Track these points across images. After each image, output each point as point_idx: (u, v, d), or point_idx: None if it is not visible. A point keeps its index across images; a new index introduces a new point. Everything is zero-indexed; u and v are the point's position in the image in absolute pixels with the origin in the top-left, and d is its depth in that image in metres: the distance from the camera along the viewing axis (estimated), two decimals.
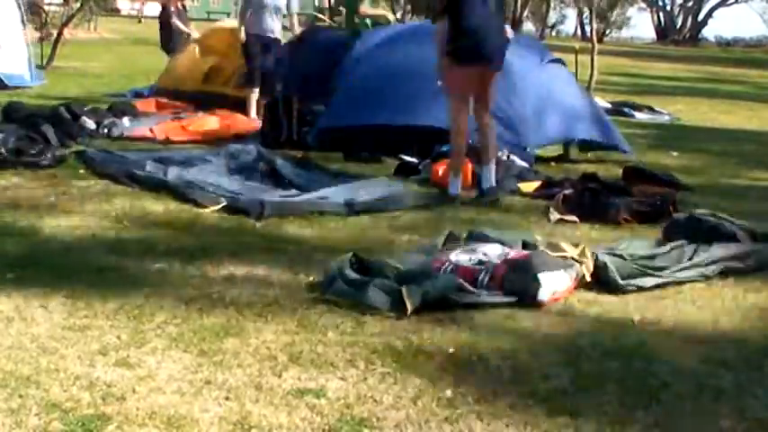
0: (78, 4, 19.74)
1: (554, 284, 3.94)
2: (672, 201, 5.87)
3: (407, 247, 4.83)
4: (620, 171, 7.06)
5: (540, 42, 9.60)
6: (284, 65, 9.47)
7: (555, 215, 5.66)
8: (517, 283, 3.91)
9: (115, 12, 40.44)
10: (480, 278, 3.95)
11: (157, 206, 5.62)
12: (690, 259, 4.44)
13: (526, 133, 7.49)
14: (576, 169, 7.51)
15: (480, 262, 4.06)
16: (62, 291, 3.85)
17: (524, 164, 7.02)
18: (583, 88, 9.67)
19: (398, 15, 42.80)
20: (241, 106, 9.69)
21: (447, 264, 4.07)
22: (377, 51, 8.34)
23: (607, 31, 47.15)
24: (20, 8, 13.02)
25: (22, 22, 13.14)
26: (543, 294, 3.88)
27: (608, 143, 8.27)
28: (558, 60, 8.77)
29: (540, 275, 3.90)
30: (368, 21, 12.69)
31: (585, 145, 8.32)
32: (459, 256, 4.15)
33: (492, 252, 4.18)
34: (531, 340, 3.51)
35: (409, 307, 3.65)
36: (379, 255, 4.66)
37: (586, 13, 36.95)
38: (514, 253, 4.20)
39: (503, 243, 4.34)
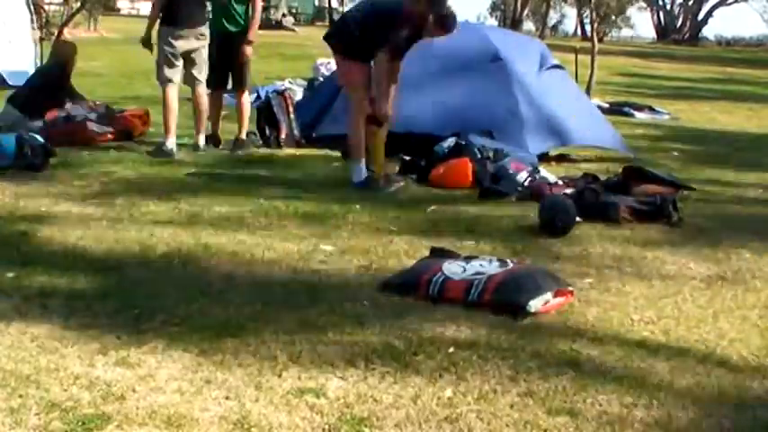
0: (78, 4, 19.77)
1: (545, 297, 3.88)
2: (672, 201, 5.87)
3: (406, 248, 4.83)
4: (620, 171, 7.06)
5: (542, 44, 9.56)
6: None
7: None
8: (509, 294, 3.83)
9: (115, 11, 40.47)
10: (471, 293, 3.88)
11: (158, 206, 5.63)
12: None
13: (525, 141, 7.48)
14: (576, 169, 7.52)
15: (477, 273, 3.99)
16: (62, 291, 3.86)
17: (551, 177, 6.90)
18: (583, 94, 9.67)
19: None
20: None
21: (439, 274, 4.02)
22: None
23: (607, 31, 47.20)
24: (29, 8, 13.09)
25: (31, 21, 13.20)
26: (534, 305, 3.79)
27: (609, 149, 8.31)
28: (559, 66, 8.76)
29: (533, 289, 3.85)
30: None
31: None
32: (452, 267, 4.07)
33: (489, 263, 4.11)
34: (531, 340, 3.51)
35: None
36: (378, 254, 4.68)
37: (587, 12, 36.91)
38: (510, 265, 4.13)
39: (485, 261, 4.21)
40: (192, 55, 7.67)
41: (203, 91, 7.83)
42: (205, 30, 7.75)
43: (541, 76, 8.15)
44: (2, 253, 4.41)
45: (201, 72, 7.77)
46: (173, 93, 7.59)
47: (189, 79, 7.79)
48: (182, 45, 7.59)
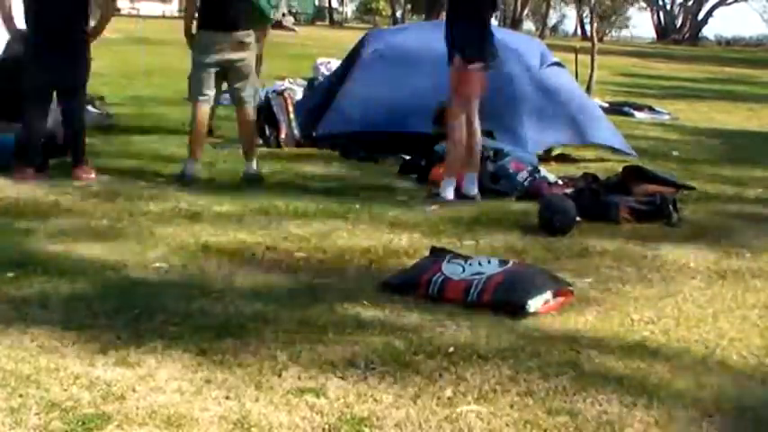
0: None
1: (545, 297, 3.88)
2: (672, 200, 5.88)
3: (406, 248, 4.83)
4: (619, 171, 7.06)
5: (541, 43, 9.56)
6: None
7: None
8: (509, 294, 3.83)
9: (115, 11, 40.38)
10: (471, 293, 3.88)
11: (158, 206, 5.63)
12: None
13: (525, 140, 7.48)
14: (576, 169, 7.52)
15: (477, 273, 3.99)
16: (62, 291, 3.85)
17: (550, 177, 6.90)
18: (583, 91, 9.66)
19: (399, 14, 42.90)
20: None
21: (438, 274, 4.01)
22: (382, 57, 8.29)
23: (607, 31, 47.22)
24: None
25: None
26: (533, 305, 3.79)
27: (609, 146, 8.31)
28: (559, 63, 8.76)
29: (533, 288, 3.85)
30: None
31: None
32: (452, 267, 4.06)
33: (489, 263, 4.11)
34: (531, 340, 3.51)
35: None
36: (378, 254, 4.67)
37: (587, 12, 36.93)
38: (510, 265, 4.13)
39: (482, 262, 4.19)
40: (234, 65, 6.46)
41: (250, 112, 6.61)
42: (247, 37, 6.44)
43: (542, 74, 8.15)
44: (2, 253, 4.41)
45: (245, 88, 6.52)
46: (204, 109, 6.56)
47: (232, 96, 6.66)
48: (219, 54, 6.38)
